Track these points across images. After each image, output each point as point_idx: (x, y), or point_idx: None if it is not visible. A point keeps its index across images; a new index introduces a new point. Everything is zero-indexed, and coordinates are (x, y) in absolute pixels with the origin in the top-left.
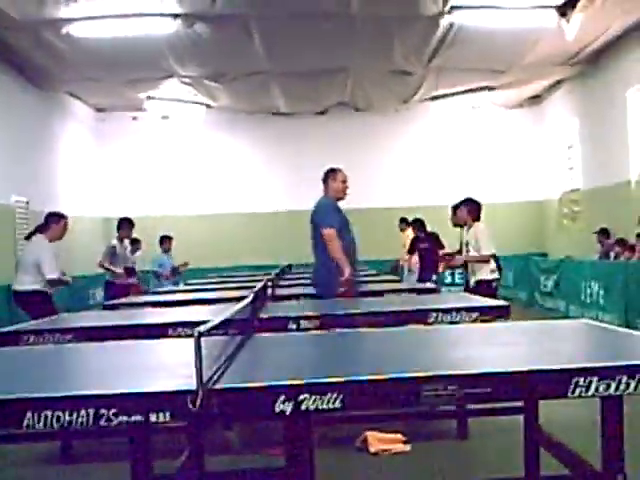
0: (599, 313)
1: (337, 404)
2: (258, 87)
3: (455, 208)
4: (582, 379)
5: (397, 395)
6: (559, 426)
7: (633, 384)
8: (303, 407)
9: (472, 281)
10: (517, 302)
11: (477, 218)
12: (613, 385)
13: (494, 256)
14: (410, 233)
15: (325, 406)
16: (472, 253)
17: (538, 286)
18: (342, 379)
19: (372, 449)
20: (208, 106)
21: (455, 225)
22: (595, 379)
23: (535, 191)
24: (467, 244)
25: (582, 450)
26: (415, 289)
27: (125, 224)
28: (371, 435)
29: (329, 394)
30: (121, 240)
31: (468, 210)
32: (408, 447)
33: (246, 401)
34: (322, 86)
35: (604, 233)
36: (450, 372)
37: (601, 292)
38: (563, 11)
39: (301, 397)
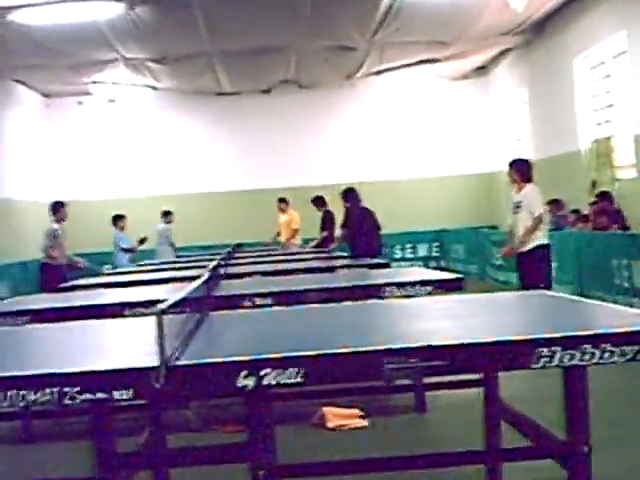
0: (554, 285)
1: (299, 379)
2: (202, 68)
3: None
4: (546, 349)
5: (359, 369)
6: (520, 399)
7: (598, 354)
8: (265, 382)
9: (528, 247)
10: (469, 275)
11: (529, 179)
12: (578, 355)
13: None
14: (294, 213)
15: (287, 381)
16: (522, 214)
17: (489, 259)
18: (304, 353)
19: (329, 425)
20: (154, 88)
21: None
22: (559, 349)
23: (484, 163)
24: (518, 205)
25: (544, 422)
26: (367, 264)
27: (60, 206)
28: (328, 411)
29: (291, 369)
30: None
31: (516, 170)
32: (366, 422)
33: (209, 377)
34: (265, 64)
35: (556, 203)
36: (412, 345)
37: (554, 263)
38: None
39: (263, 372)
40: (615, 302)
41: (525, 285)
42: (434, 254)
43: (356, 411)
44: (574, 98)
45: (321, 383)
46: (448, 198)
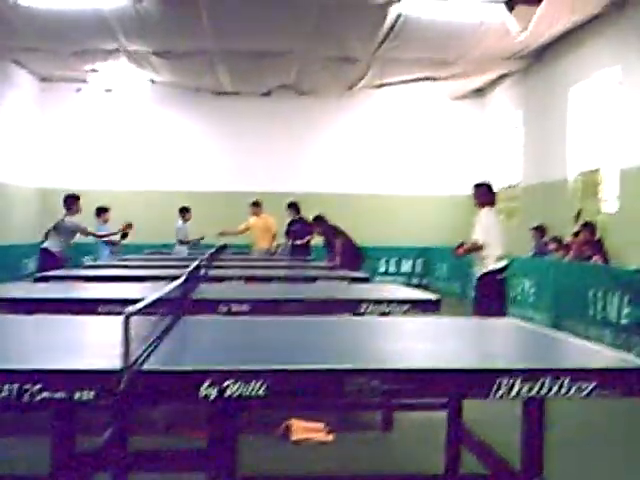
0: (529, 311)
1: (261, 392)
2: (204, 65)
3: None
4: (505, 380)
5: (321, 387)
6: (485, 423)
7: (556, 387)
8: (227, 393)
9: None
10: (451, 294)
11: (485, 203)
12: (536, 387)
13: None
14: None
15: (249, 393)
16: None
17: (472, 279)
18: (267, 367)
19: (294, 437)
20: (153, 81)
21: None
22: (519, 381)
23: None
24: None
25: (507, 449)
26: (348, 277)
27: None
28: (294, 423)
29: (254, 382)
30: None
31: (478, 194)
32: (330, 437)
33: (171, 384)
34: (267, 68)
35: (540, 230)
36: (373, 367)
37: (532, 290)
38: (511, 6)
39: (226, 383)
40: (588, 333)
41: (474, 310)
42: (418, 271)
43: (322, 425)
44: (566, 127)
45: (284, 398)
46: (436, 216)
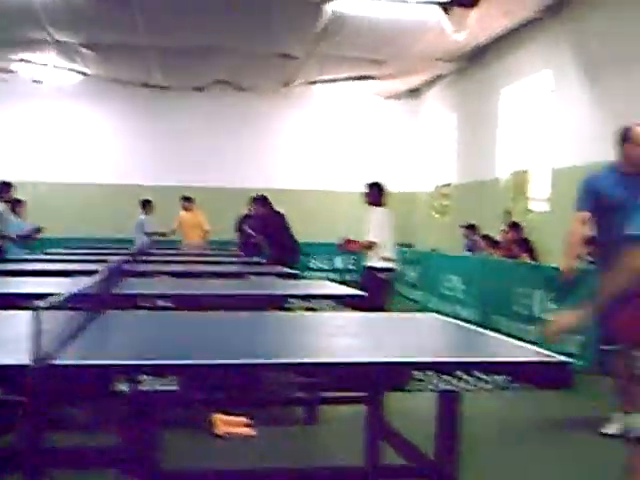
0: (458, 307)
1: (175, 387)
2: (134, 59)
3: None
4: (421, 373)
5: (236, 381)
6: (407, 416)
7: (471, 380)
8: (141, 388)
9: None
10: None
11: (375, 203)
12: (450, 381)
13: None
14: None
15: (163, 388)
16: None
17: (402, 277)
18: (180, 362)
19: (217, 431)
20: (83, 74)
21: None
22: (433, 374)
23: (408, 183)
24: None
25: (428, 441)
26: (277, 273)
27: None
28: (217, 417)
29: (168, 376)
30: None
31: (366, 193)
32: (254, 431)
33: (84, 379)
34: (201, 63)
35: (471, 228)
36: (288, 360)
37: (461, 286)
38: (447, 8)
39: (139, 378)
40: (513, 328)
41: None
42: (350, 267)
43: (245, 419)
44: (498, 129)
45: (198, 392)
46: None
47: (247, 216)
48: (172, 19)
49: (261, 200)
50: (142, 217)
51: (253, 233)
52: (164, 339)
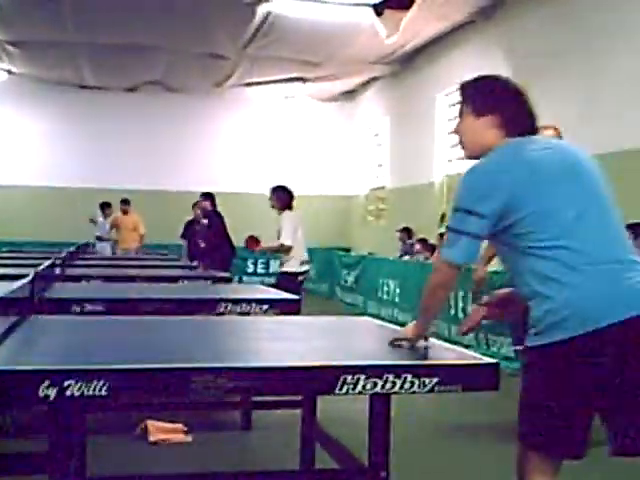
0: (395, 311)
1: (103, 392)
2: (64, 58)
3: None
4: (350, 377)
5: (165, 385)
6: (342, 419)
7: (399, 383)
8: (68, 393)
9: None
10: (319, 295)
11: (285, 207)
12: (379, 384)
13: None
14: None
15: (91, 393)
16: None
17: (339, 280)
18: (109, 367)
19: (151, 438)
20: (10, 72)
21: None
22: (363, 377)
23: (344, 186)
24: (278, 232)
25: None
26: (211, 277)
27: None
28: (151, 424)
29: (95, 381)
30: None
31: (276, 197)
32: (189, 437)
33: (8, 385)
34: (133, 63)
35: (406, 232)
36: (220, 365)
37: (397, 290)
38: (379, 10)
39: (66, 383)
40: (450, 332)
41: None
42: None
43: (180, 426)
44: (432, 132)
45: (127, 397)
46: (306, 217)
47: (192, 222)
48: (102, 17)
49: (208, 197)
50: (101, 219)
51: (202, 244)
52: (93, 344)
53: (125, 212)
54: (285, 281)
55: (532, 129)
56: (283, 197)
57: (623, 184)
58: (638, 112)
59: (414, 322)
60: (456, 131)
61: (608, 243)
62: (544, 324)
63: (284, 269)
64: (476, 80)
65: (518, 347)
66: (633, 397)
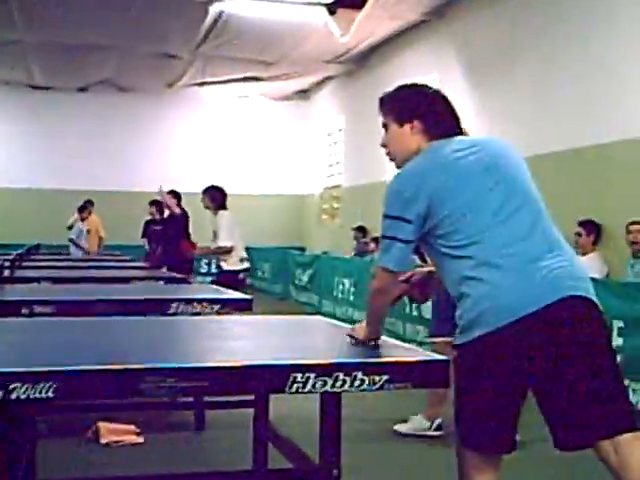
0: (349, 309)
1: (50, 394)
2: (13, 57)
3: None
4: (300, 375)
5: (113, 386)
6: (295, 418)
7: (349, 381)
8: (14, 396)
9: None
10: (273, 295)
11: (220, 206)
12: (329, 382)
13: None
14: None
15: (38, 395)
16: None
17: (294, 280)
18: (56, 368)
19: (103, 440)
20: None
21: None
22: (313, 375)
23: (299, 185)
24: (214, 233)
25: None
26: (164, 277)
27: None
28: (103, 426)
29: (42, 383)
30: None
31: (210, 198)
32: (141, 439)
33: None
34: (84, 62)
35: (361, 231)
36: (170, 365)
37: (352, 289)
38: (332, 9)
39: (12, 386)
40: (405, 330)
41: None
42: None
43: (132, 427)
44: None
45: (75, 399)
46: (260, 216)
47: (151, 221)
48: (52, 16)
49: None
50: (79, 225)
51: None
52: (41, 346)
53: (89, 214)
54: (226, 280)
55: (457, 130)
56: (217, 197)
57: (577, 180)
58: (587, 109)
59: (365, 321)
60: (383, 144)
61: (526, 236)
62: (464, 321)
63: (225, 268)
64: (396, 90)
65: (429, 339)
66: (562, 386)
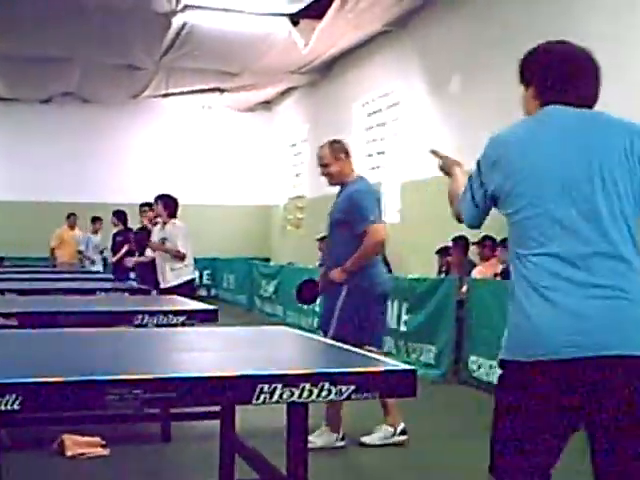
0: (315, 320)
1: (16, 406)
2: None
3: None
4: (267, 386)
5: (79, 398)
6: (264, 430)
7: (316, 391)
8: None
9: (170, 282)
10: (238, 306)
11: (172, 215)
12: (296, 392)
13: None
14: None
15: (2, 407)
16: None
17: (258, 291)
18: (20, 380)
19: (69, 453)
20: None
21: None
22: (279, 386)
23: (263, 196)
24: (163, 241)
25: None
26: (129, 289)
27: None
28: (68, 438)
29: (7, 395)
30: None
31: (163, 206)
32: (107, 451)
33: None
34: (47, 74)
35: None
36: (135, 377)
37: (317, 299)
38: (295, 20)
39: None
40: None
41: None
42: (206, 282)
43: (97, 439)
44: (350, 142)
45: (40, 411)
46: (224, 227)
47: (118, 233)
48: (14, 28)
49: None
50: (90, 236)
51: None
52: (5, 358)
53: (72, 227)
54: (184, 290)
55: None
56: (170, 205)
57: None
58: None
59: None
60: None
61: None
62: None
63: (183, 279)
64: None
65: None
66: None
